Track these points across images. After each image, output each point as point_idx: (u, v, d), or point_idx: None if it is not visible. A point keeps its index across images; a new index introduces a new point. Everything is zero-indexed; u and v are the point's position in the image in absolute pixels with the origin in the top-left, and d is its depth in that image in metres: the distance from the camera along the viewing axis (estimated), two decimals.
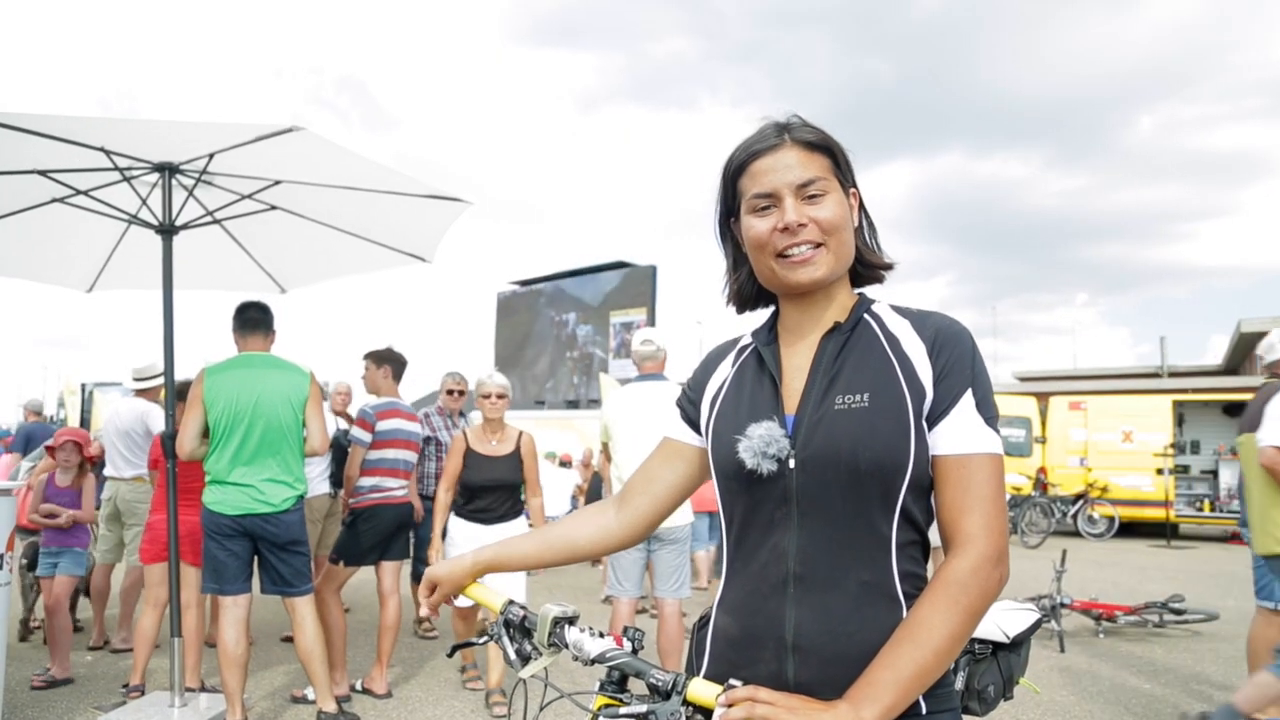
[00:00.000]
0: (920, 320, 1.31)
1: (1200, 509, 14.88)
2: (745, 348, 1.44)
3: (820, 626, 1.23)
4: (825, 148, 1.31)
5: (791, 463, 1.25)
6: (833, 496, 1.23)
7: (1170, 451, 14.27)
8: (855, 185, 1.36)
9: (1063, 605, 6.18)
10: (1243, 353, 24.27)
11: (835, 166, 1.32)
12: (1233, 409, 15.43)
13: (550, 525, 1.59)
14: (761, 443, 1.25)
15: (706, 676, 1.33)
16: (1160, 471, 14.20)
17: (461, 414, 6.34)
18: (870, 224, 1.41)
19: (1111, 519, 14.13)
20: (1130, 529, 14.40)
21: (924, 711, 1.21)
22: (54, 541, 5.25)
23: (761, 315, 1.48)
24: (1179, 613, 6.48)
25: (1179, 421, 15.42)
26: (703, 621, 1.41)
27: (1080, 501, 14.34)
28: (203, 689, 4.58)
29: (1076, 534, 14.21)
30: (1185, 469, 15.56)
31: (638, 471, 1.54)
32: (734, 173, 1.34)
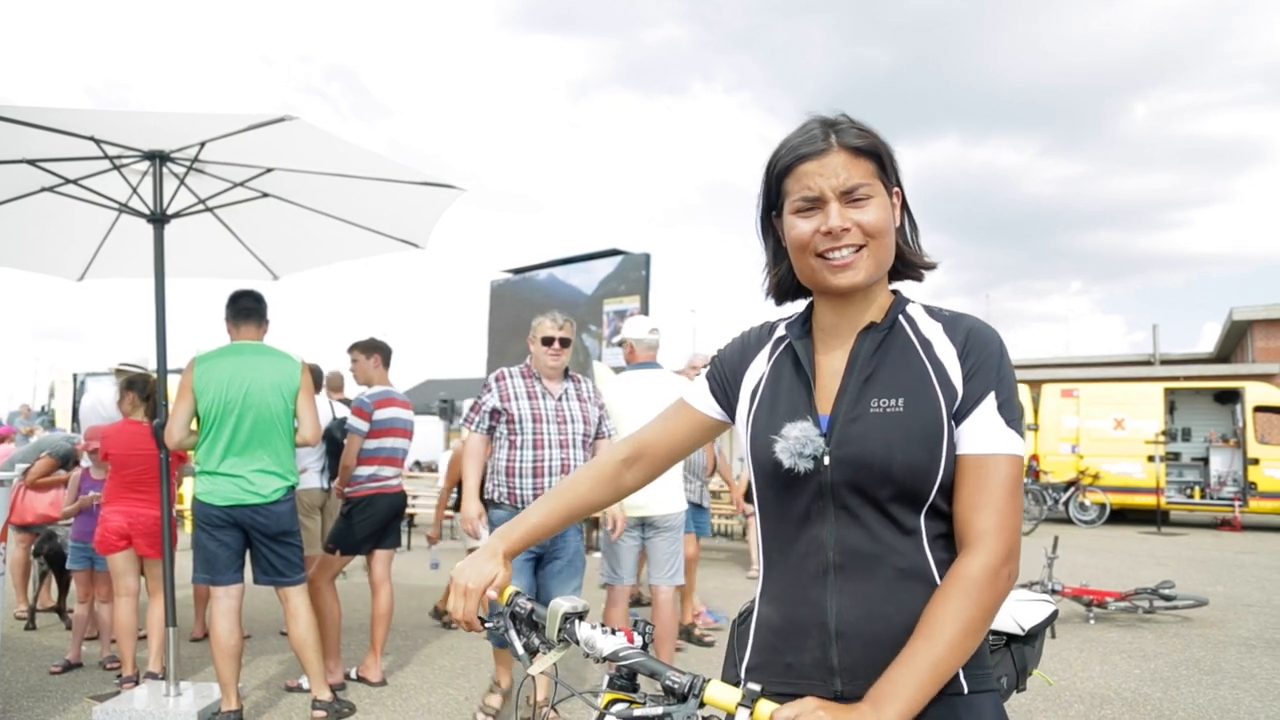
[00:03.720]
0: (952, 323, 1.33)
1: (1190, 496, 14.96)
2: (781, 340, 1.44)
3: (861, 612, 1.27)
4: (872, 152, 1.30)
5: (826, 460, 1.28)
6: (865, 494, 1.27)
7: (1161, 439, 14.34)
8: (899, 185, 1.36)
9: (1054, 591, 6.22)
10: (1234, 341, 24.35)
11: (880, 169, 1.31)
12: (1224, 397, 15.51)
13: (564, 489, 1.55)
14: (798, 444, 1.28)
15: (749, 665, 1.37)
16: (1151, 459, 14.27)
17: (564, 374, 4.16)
18: (912, 223, 1.41)
19: (1103, 506, 14.22)
20: (1121, 516, 14.48)
21: (965, 691, 1.25)
22: (85, 535, 5.10)
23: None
24: (1169, 599, 6.52)
25: (1170, 409, 15.48)
26: (743, 616, 1.44)
27: (1072, 488, 14.42)
28: (137, 679, 4.58)
29: (1068, 521, 14.28)
30: (1176, 456, 15.64)
31: (656, 435, 1.54)
32: (780, 172, 1.34)
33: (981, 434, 1.25)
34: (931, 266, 1.41)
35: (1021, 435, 1.27)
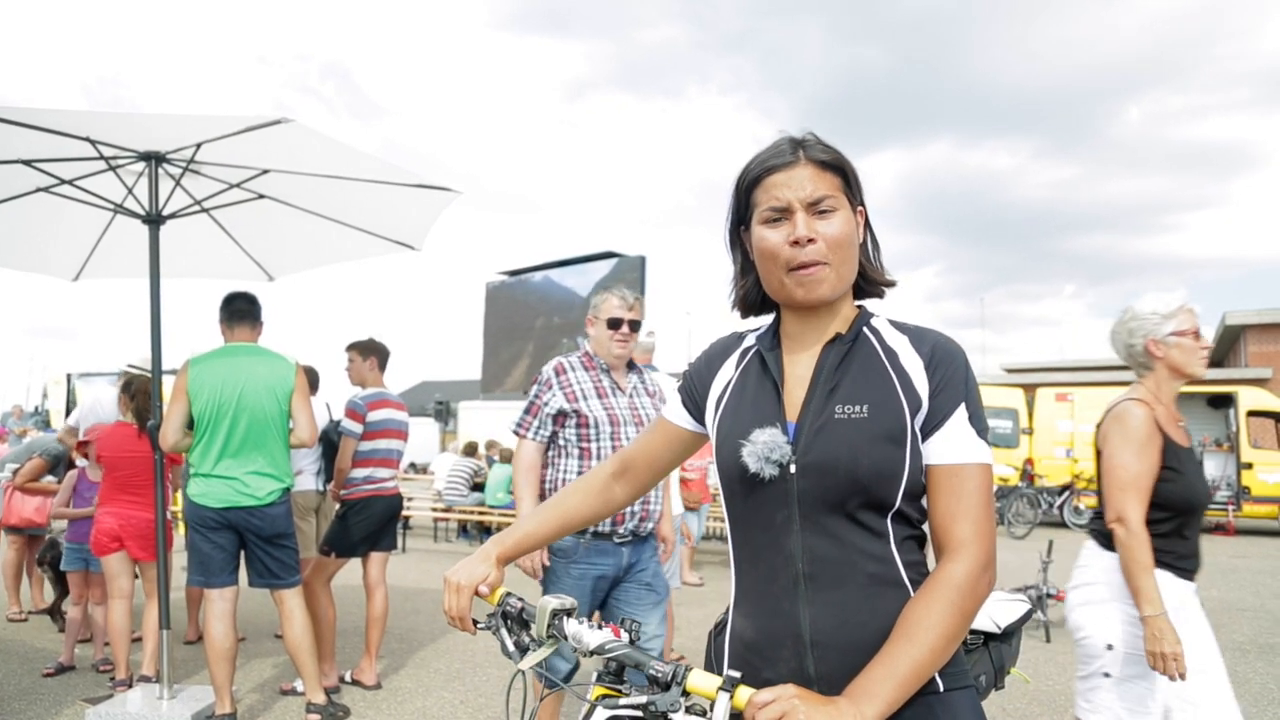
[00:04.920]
0: (918, 336, 1.37)
1: None
2: (749, 350, 1.48)
3: (834, 620, 1.28)
4: (837, 167, 1.35)
5: (793, 468, 1.30)
6: (832, 500, 1.29)
7: None
8: (863, 203, 1.40)
9: (1049, 595, 6.22)
10: (1227, 345, 24.44)
11: (845, 185, 1.36)
12: (1217, 401, 15.56)
13: (558, 501, 1.62)
14: (765, 448, 1.30)
15: None
16: None
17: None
18: (874, 241, 1.46)
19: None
20: None
21: (941, 689, 1.27)
22: (81, 537, 5.06)
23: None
24: None
25: None
26: (719, 627, 1.46)
27: (1066, 492, 14.44)
28: (130, 682, 4.57)
29: (1063, 525, 14.31)
30: None
31: (639, 450, 1.61)
32: (749, 185, 1.39)
33: (955, 445, 1.29)
34: (892, 284, 1.45)
35: (989, 445, 1.32)
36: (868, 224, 1.43)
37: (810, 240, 1.31)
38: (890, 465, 1.27)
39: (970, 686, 1.33)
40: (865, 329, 1.39)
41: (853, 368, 1.34)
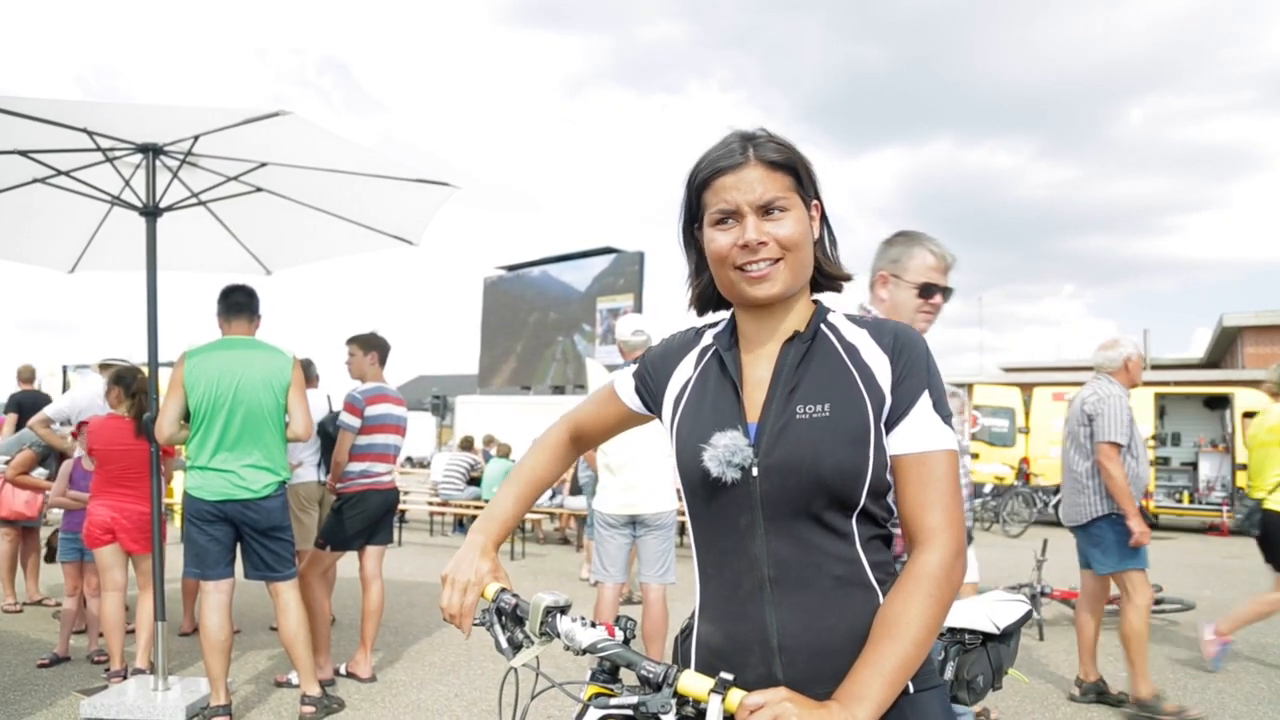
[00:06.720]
0: (877, 329, 1.36)
1: (1180, 500, 15.04)
2: (707, 349, 1.46)
3: (802, 624, 1.27)
4: (788, 165, 1.32)
5: (755, 470, 1.28)
6: (796, 502, 1.27)
7: (1151, 443, 14.40)
8: (818, 198, 1.38)
9: (1043, 594, 6.25)
10: (1224, 346, 24.49)
11: (798, 183, 1.33)
12: (1213, 402, 15.60)
13: (525, 473, 1.61)
14: (726, 452, 1.28)
15: None
16: None
17: None
18: (831, 236, 1.44)
19: None
20: None
21: (911, 691, 1.25)
22: (76, 527, 5.10)
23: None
24: (1156, 602, 6.55)
25: (1160, 414, 15.56)
26: (685, 633, 1.44)
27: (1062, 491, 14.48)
28: (125, 673, 4.58)
29: (1058, 524, 14.32)
30: (1165, 461, 15.72)
31: (592, 419, 1.63)
32: (699, 185, 1.36)
33: (920, 432, 1.27)
34: (848, 278, 1.44)
35: (954, 432, 1.30)
36: (824, 218, 1.41)
37: (761, 243, 1.29)
38: (853, 463, 1.25)
39: (939, 686, 1.32)
40: (823, 326, 1.37)
41: (812, 366, 1.33)
